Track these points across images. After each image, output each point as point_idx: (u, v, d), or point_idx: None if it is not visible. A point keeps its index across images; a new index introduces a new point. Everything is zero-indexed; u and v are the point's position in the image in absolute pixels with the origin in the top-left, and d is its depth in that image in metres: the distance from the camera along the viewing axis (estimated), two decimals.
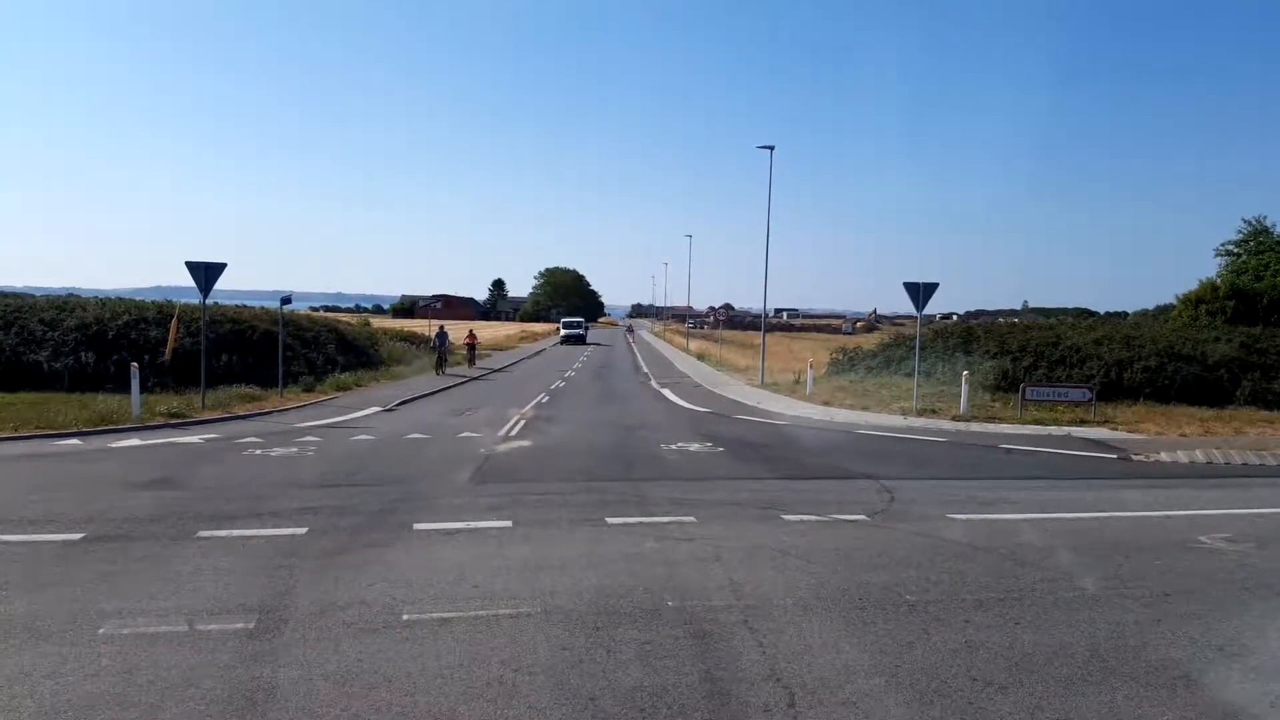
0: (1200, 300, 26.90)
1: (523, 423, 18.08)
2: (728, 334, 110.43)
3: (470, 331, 41.64)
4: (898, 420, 19.72)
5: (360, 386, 25.79)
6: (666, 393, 27.79)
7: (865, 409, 21.93)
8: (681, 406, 23.49)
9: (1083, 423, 18.78)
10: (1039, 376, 22.14)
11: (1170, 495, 11.37)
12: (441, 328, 37.14)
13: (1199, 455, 14.57)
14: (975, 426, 18.72)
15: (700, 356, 51.67)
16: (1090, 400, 19.25)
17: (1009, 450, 15.50)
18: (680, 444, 15.24)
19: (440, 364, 33.21)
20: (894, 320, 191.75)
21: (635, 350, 62.89)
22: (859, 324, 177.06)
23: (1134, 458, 14.80)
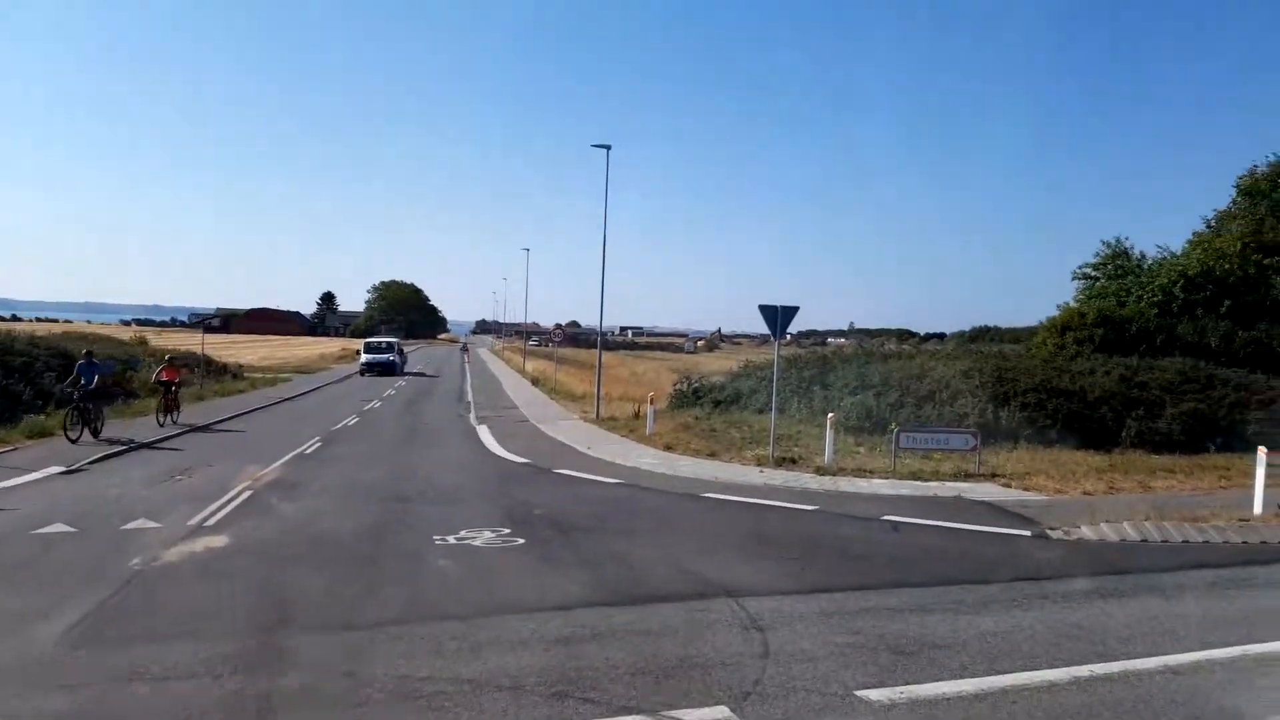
0: (1067, 326, 24.97)
1: (248, 494, 12.99)
2: (570, 353, 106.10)
3: (169, 363, 24.76)
4: (753, 474, 16.04)
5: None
6: (483, 432, 23.23)
7: (714, 456, 18.20)
8: (494, 454, 19.02)
9: (967, 476, 15.71)
10: (906, 415, 19.10)
11: (1161, 617, 7.96)
12: (88, 355, 20.22)
13: (1129, 530, 11.50)
14: (845, 483, 15.27)
15: (535, 381, 47.23)
16: (974, 448, 16.20)
17: (896, 526, 11.98)
18: (467, 531, 10.79)
19: (73, 417, 18.15)
20: (733, 339, 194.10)
21: (467, 372, 57.68)
22: (700, 343, 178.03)
23: (1051, 533, 11.60)
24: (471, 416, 27.42)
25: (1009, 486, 14.97)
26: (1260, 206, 28.48)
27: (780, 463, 17.08)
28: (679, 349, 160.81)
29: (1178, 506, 13.04)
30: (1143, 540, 11.27)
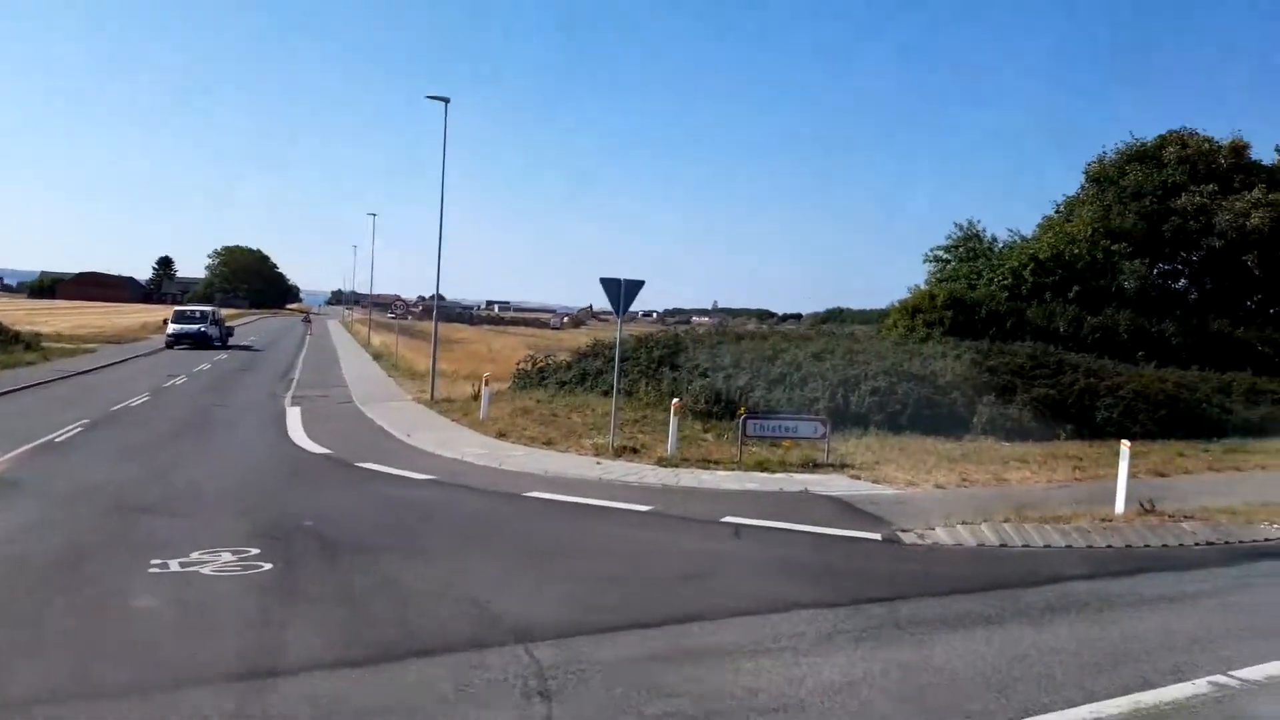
0: (917, 309, 24.40)
1: None
2: (428, 326, 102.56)
3: None
4: (588, 466, 14.30)
5: None
6: (293, 416, 20.52)
7: (550, 445, 16.36)
8: (292, 445, 16.50)
9: (815, 466, 14.46)
10: (757, 399, 17.80)
11: (1033, 655, 6.59)
12: None
13: (987, 533, 10.38)
14: (686, 476, 13.73)
15: (378, 356, 44.06)
16: (824, 436, 14.98)
17: (738, 531, 10.47)
18: (201, 553, 8.46)
19: None
20: (601, 315, 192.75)
21: (304, 346, 53.59)
22: (567, 319, 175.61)
23: (903, 536, 10.37)
24: (287, 397, 24.50)
25: (858, 479, 13.79)
26: (1108, 193, 28.93)
27: (621, 453, 15.41)
28: (546, 324, 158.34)
29: (1035, 503, 12.12)
30: (1002, 545, 10.17)
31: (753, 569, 8.96)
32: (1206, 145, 28.13)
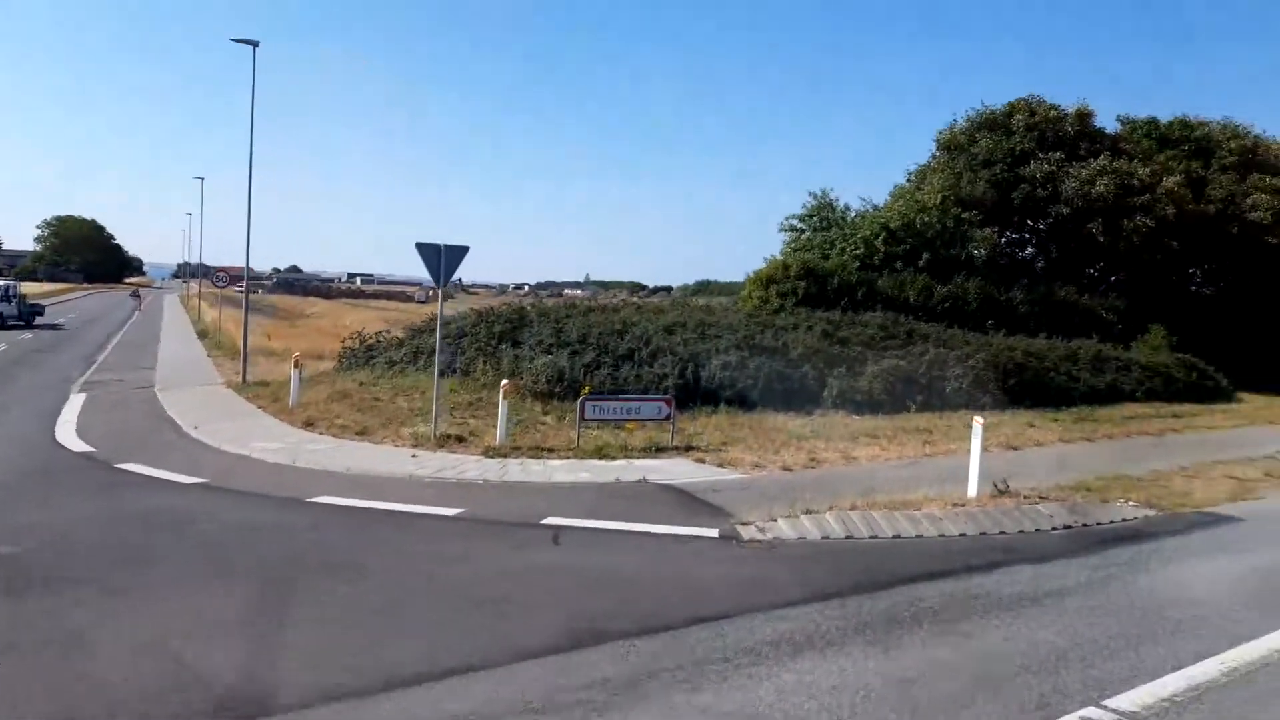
0: (771, 280, 23.53)
1: None
2: (281, 300, 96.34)
3: None
4: (402, 460, 12.54)
5: None
6: (73, 404, 17.78)
7: (364, 435, 14.48)
8: (52, 441, 13.99)
9: (659, 450, 13.18)
10: (602, 378, 16.39)
11: (876, 688, 5.39)
12: None
13: (832, 524, 9.29)
14: (515, 468, 12.18)
15: (203, 334, 40.29)
16: (669, 416, 13.69)
17: (557, 537, 9.01)
18: None
19: None
20: (471, 288, 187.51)
21: (126, 324, 48.81)
22: (433, 291, 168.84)
23: (743, 531, 9.17)
24: (77, 383, 21.46)
25: (703, 462, 12.58)
26: (959, 161, 28.92)
27: (444, 442, 13.69)
28: (410, 298, 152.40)
29: (885, 484, 11.24)
30: (848, 536, 9.10)
31: (565, 588, 7.50)
32: (1054, 113, 28.48)
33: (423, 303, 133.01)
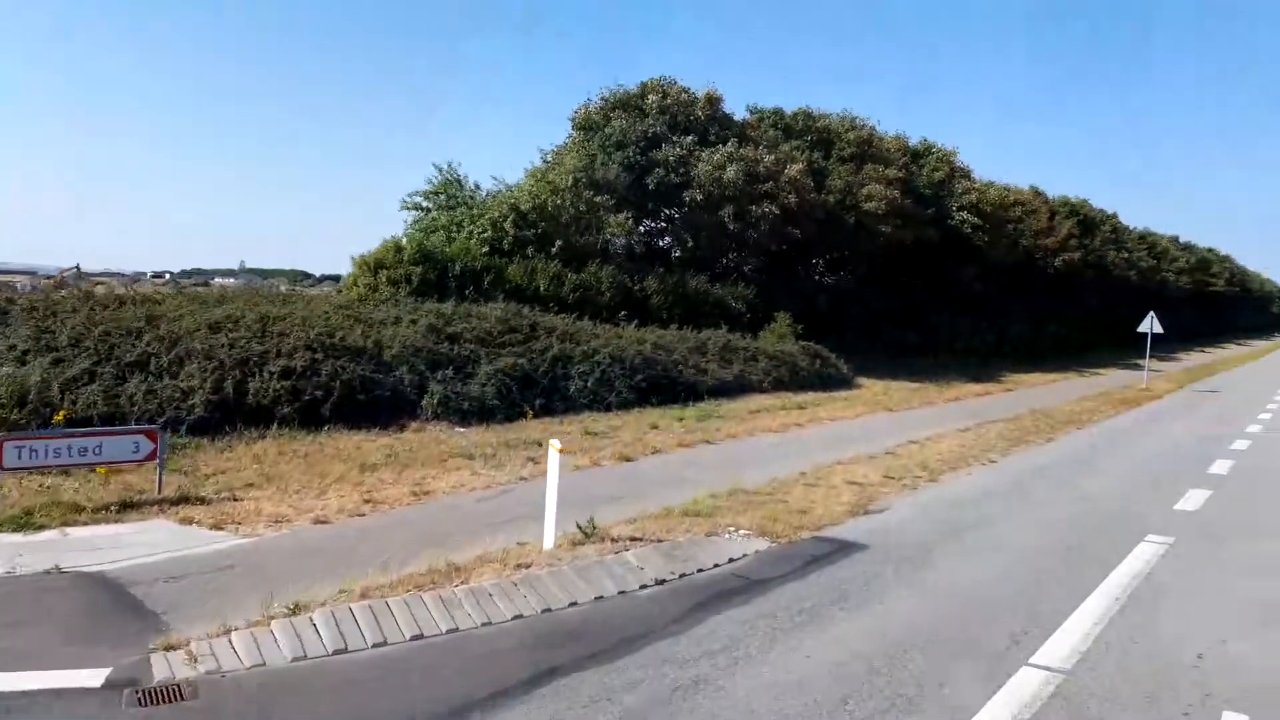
0: (381, 264, 19.89)
1: None
2: None
3: None
4: None
5: None
6: None
7: None
8: None
9: (132, 507, 9.09)
10: (93, 397, 11.77)
11: None
12: None
13: (320, 630, 6.05)
14: None
15: None
16: (153, 455, 9.59)
17: None
18: None
19: None
20: (96, 278, 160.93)
21: None
22: (49, 281, 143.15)
23: (157, 668, 5.65)
24: None
25: (193, 522, 8.72)
26: (593, 141, 27.16)
27: None
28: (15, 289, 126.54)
29: (456, 530, 8.29)
30: (339, 651, 5.91)
31: None
32: (685, 95, 27.66)
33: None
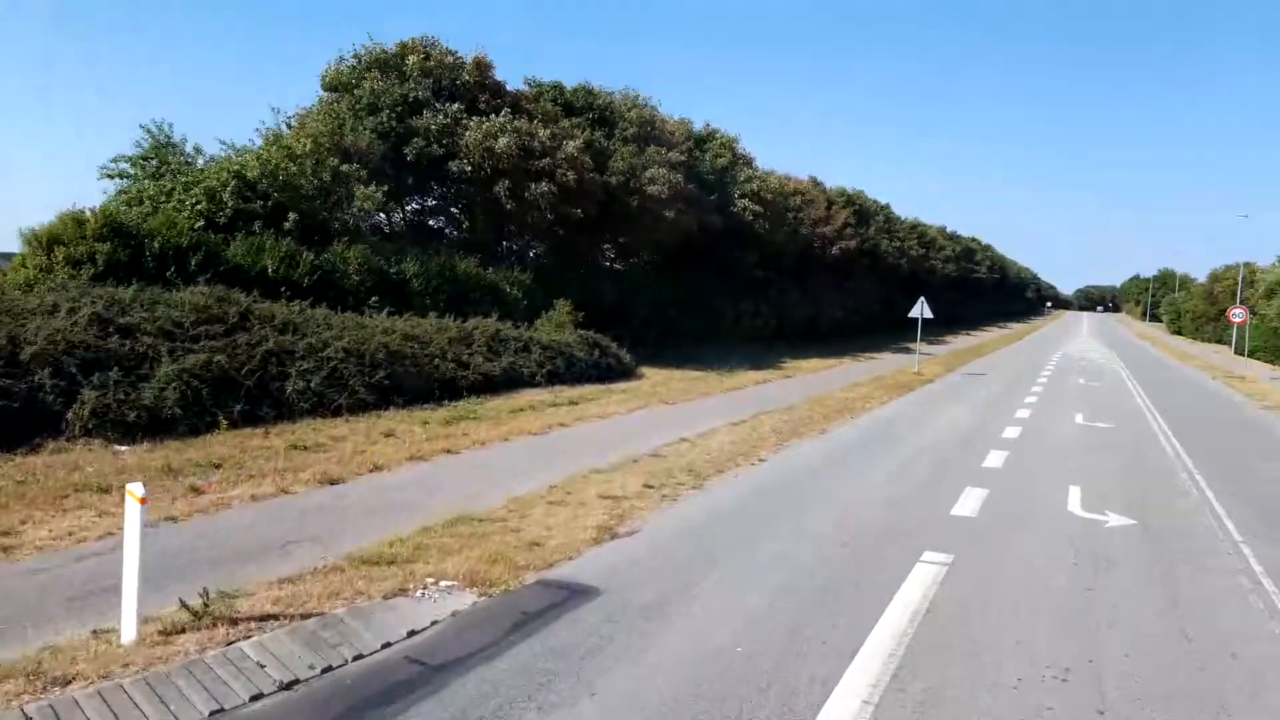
0: (57, 241, 16.08)
1: None
2: None
3: None
4: None
5: None
6: None
7: None
8: None
9: None
10: None
11: None
12: None
13: None
14: None
15: None
16: None
17: None
18: None
19: None
20: None
21: None
22: None
23: None
24: None
25: None
26: (342, 103, 23.99)
27: None
28: None
29: (18, 608, 5.58)
30: None
31: None
32: (451, 58, 24.99)
33: None
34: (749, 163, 37.68)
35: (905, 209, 77.07)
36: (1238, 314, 41.05)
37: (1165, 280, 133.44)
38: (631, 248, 34.93)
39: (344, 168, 21.30)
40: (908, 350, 36.63)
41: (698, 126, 36.37)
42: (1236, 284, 55.42)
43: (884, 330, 49.99)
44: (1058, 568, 8.38)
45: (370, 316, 18.01)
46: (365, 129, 22.94)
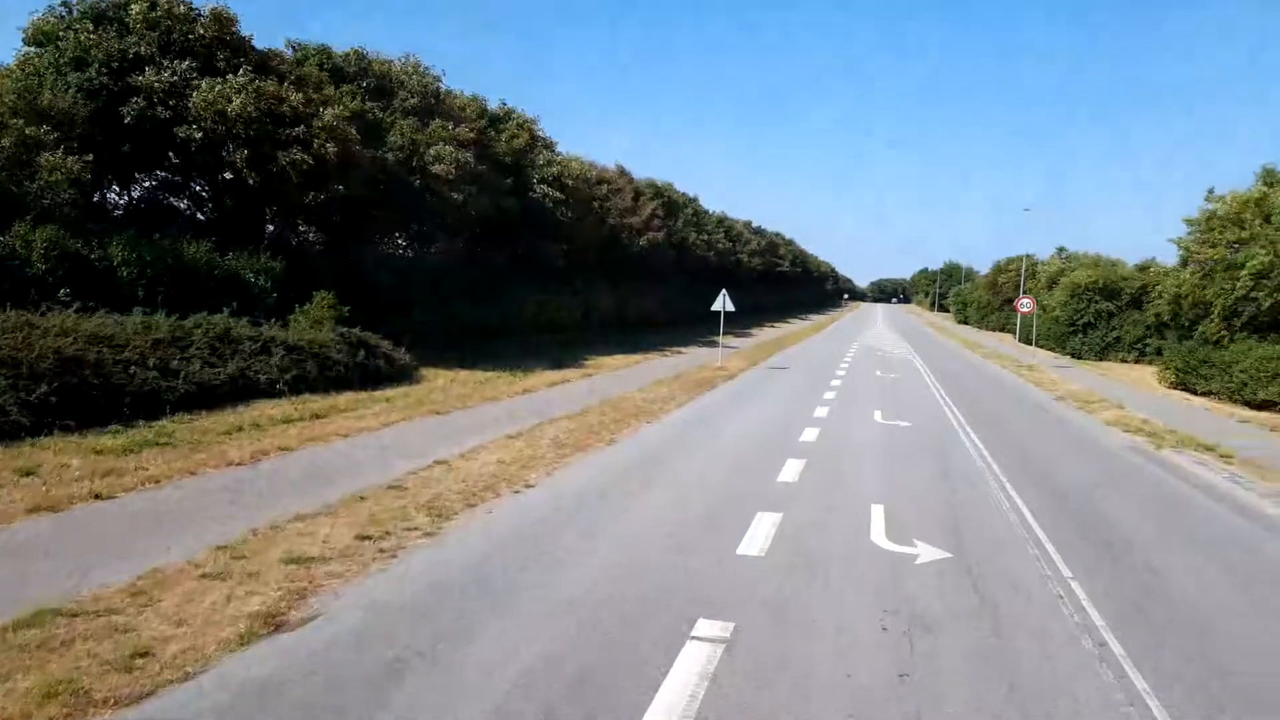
0: None
1: None
2: None
3: None
4: None
5: None
6: None
7: None
8: None
9: None
10: None
11: None
12: None
13: None
14: None
15: None
16: None
17: None
18: None
19: None
20: None
21: None
22: None
23: None
24: None
25: None
26: (44, 58, 19.65)
27: None
28: None
29: None
30: None
31: None
32: (184, 9, 21.09)
33: None
34: (550, 146, 35.44)
35: (713, 203, 77.36)
36: (1025, 304, 42.84)
37: (951, 273, 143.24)
38: (428, 234, 31.88)
39: (30, 130, 17.20)
40: (714, 344, 35.67)
41: (493, 105, 33.73)
42: (1019, 275, 58.79)
43: (692, 323, 49.26)
44: (862, 641, 6.64)
45: (51, 315, 14.29)
46: (69, 86, 18.79)
